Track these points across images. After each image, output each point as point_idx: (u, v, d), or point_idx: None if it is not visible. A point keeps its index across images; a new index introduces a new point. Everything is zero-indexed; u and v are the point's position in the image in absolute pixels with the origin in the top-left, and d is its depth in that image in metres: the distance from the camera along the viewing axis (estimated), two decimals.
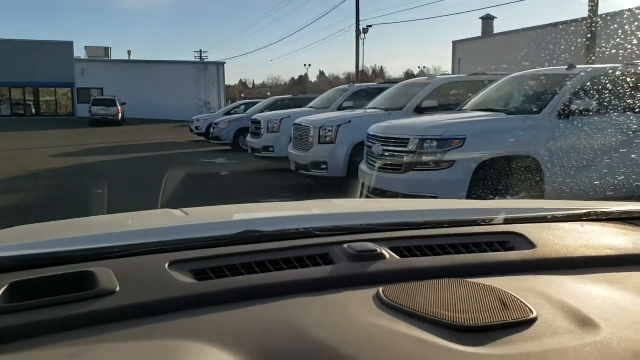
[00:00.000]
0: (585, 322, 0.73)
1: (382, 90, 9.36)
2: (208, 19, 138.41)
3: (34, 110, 39.37)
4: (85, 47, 44.19)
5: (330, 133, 7.41)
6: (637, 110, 5.02)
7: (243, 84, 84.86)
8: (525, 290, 0.83)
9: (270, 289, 0.84)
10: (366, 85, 11.78)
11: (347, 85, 12.20)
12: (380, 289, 0.82)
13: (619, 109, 5.04)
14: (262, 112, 13.54)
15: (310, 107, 11.03)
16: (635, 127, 4.95)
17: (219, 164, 12.06)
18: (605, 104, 5.07)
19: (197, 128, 19.80)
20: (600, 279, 0.92)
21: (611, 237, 1.15)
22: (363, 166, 6.06)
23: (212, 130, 16.61)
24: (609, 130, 4.95)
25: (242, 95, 56.98)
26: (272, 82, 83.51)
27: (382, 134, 5.64)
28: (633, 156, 4.90)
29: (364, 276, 0.89)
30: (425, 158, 5.04)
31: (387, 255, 0.96)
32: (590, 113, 5.00)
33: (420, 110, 7.46)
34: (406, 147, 5.17)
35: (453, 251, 1.02)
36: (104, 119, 29.91)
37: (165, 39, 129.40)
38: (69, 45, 38.86)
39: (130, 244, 1.00)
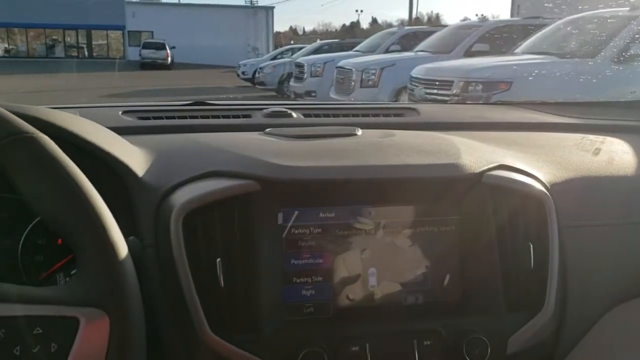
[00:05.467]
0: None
1: (432, 33, 8.87)
2: None
3: (86, 53, 40.12)
4: None
5: (373, 76, 7.13)
6: None
7: (293, 30, 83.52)
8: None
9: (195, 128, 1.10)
10: (415, 28, 11.30)
11: (396, 28, 11.80)
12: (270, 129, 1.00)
13: None
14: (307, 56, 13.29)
15: (356, 51, 10.64)
16: None
17: None
18: None
19: (243, 73, 19.60)
20: (463, 134, 1.07)
21: (486, 112, 1.43)
22: None
23: (257, 75, 16.47)
24: None
25: (292, 42, 56.33)
26: (323, 29, 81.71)
27: (425, 76, 5.42)
28: None
29: (272, 125, 1.06)
30: (469, 102, 4.84)
31: (295, 115, 1.17)
32: None
33: (470, 54, 7.12)
34: (449, 89, 4.97)
35: (352, 115, 1.25)
36: (153, 62, 30.12)
37: None
38: None
39: None
